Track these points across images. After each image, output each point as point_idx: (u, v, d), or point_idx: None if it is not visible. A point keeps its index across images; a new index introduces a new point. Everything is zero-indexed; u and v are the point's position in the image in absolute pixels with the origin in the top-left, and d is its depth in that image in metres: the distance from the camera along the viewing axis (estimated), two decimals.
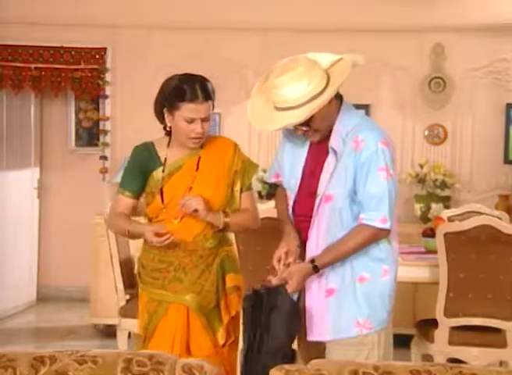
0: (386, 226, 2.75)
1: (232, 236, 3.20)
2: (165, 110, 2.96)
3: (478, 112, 6.86)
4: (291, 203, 2.93)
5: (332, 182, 2.79)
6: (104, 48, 6.98)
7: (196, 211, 2.88)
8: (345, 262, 2.79)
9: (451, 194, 6.72)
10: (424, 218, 6.55)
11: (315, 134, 2.82)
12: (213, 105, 2.99)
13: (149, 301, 3.01)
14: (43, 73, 6.88)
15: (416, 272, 4.44)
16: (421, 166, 6.76)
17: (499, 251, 4.07)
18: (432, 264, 4.34)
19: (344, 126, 2.80)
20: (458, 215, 5.15)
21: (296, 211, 2.92)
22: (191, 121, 2.90)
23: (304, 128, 2.78)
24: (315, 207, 2.82)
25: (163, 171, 2.97)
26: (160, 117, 3.02)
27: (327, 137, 2.83)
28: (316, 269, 2.77)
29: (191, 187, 2.95)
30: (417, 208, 6.66)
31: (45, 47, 6.88)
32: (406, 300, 5.54)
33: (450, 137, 6.92)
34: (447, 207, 6.41)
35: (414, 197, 6.73)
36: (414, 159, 6.90)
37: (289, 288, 2.74)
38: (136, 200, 3.03)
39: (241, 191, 3.04)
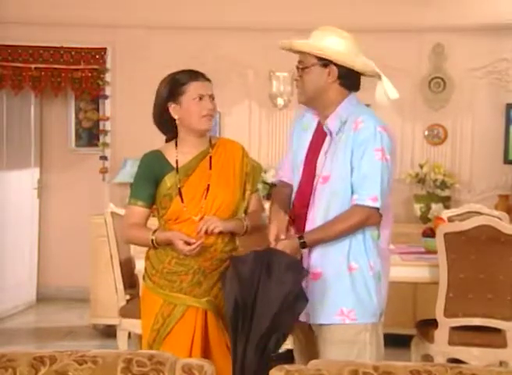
0: (377, 204, 2.74)
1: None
2: (169, 105, 2.97)
3: (478, 113, 6.86)
4: (295, 189, 2.95)
5: (328, 163, 2.82)
6: (104, 48, 6.98)
7: (219, 231, 2.92)
8: (337, 248, 2.78)
9: (451, 195, 6.72)
10: (424, 218, 6.55)
11: (300, 93, 2.90)
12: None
13: (164, 304, 2.96)
14: (43, 73, 6.88)
15: (416, 272, 4.44)
16: (421, 166, 6.76)
17: (499, 252, 4.06)
18: (431, 264, 4.34)
19: (345, 110, 2.83)
20: (458, 215, 5.15)
21: (297, 197, 2.93)
22: (201, 98, 2.94)
23: (298, 75, 2.87)
24: (313, 188, 2.84)
25: (177, 172, 2.96)
26: (162, 122, 3.02)
27: (326, 117, 2.87)
28: (304, 244, 2.77)
29: (209, 185, 2.96)
30: (417, 208, 6.66)
31: (45, 47, 6.88)
32: (406, 300, 5.55)
33: (450, 138, 6.92)
34: (447, 207, 6.41)
35: (414, 197, 6.73)
36: (414, 159, 6.90)
37: None
38: (149, 209, 3.00)
39: (250, 193, 3.08)
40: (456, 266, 4.11)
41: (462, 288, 4.11)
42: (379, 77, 2.88)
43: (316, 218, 2.82)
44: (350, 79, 2.84)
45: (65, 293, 7.09)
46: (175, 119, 2.99)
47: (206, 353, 2.93)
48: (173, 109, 2.97)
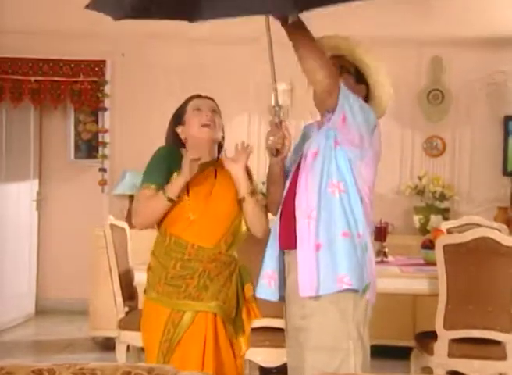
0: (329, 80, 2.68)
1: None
2: (178, 130, 3.07)
3: (477, 124, 6.89)
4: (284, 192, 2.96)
5: (314, 140, 2.87)
6: (104, 61, 7.01)
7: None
8: (330, 217, 2.78)
9: (450, 206, 6.73)
10: (424, 230, 6.56)
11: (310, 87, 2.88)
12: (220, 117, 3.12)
13: (173, 313, 2.95)
14: (42, 85, 6.90)
15: (415, 284, 4.44)
16: (420, 178, 6.77)
17: (498, 263, 4.06)
18: (431, 276, 4.34)
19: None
20: (457, 227, 5.16)
21: (286, 195, 2.93)
22: (199, 109, 3.04)
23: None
24: (301, 165, 2.87)
25: None
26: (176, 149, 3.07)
27: None
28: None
29: (211, 192, 3.00)
30: (417, 219, 6.67)
31: (45, 59, 6.91)
32: (405, 312, 5.54)
33: (449, 149, 6.94)
34: (446, 219, 6.42)
35: (413, 209, 6.74)
36: (413, 171, 6.92)
37: None
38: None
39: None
40: (455, 278, 4.11)
41: (461, 300, 4.11)
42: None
43: (307, 183, 2.83)
44: (366, 102, 2.89)
45: (64, 305, 7.08)
46: (182, 143, 3.07)
47: (217, 358, 2.94)
48: (181, 132, 3.07)
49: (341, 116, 2.71)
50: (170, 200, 2.90)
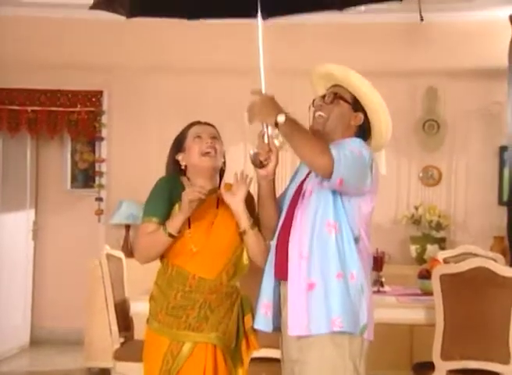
0: (333, 159, 2.64)
1: None
2: (178, 157, 3.05)
3: (472, 154, 6.91)
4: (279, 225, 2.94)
5: (312, 178, 2.84)
6: (101, 91, 7.04)
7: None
8: (324, 258, 2.75)
9: (446, 236, 6.73)
10: (420, 259, 6.55)
11: (320, 118, 2.87)
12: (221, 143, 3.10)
13: (172, 344, 2.93)
14: (39, 115, 6.92)
15: (412, 314, 4.42)
16: (416, 208, 6.78)
17: (494, 294, 4.06)
18: (428, 306, 4.33)
19: (346, 140, 2.84)
20: (453, 256, 5.16)
21: (281, 229, 2.92)
22: (199, 137, 3.02)
23: (328, 101, 2.87)
24: (298, 203, 2.85)
25: None
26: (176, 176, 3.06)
27: None
28: (286, 116, 2.70)
29: (213, 222, 2.98)
30: (413, 249, 6.66)
31: (42, 90, 6.93)
32: (402, 342, 5.51)
33: (445, 179, 6.95)
34: (443, 248, 6.42)
35: (410, 238, 6.73)
36: (410, 201, 6.93)
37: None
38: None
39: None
40: (452, 308, 4.10)
41: (459, 331, 4.10)
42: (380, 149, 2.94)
43: (302, 222, 2.81)
44: (363, 134, 2.89)
45: (59, 335, 7.03)
46: (183, 170, 3.05)
47: None
48: (181, 159, 3.05)
49: (337, 181, 2.68)
50: (171, 236, 2.87)
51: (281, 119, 2.70)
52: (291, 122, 2.72)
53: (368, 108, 2.88)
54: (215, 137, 3.05)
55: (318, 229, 2.77)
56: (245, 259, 3.04)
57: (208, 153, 3.00)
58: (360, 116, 2.88)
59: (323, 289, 2.73)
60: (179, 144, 3.06)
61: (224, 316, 2.97)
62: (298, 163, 3.09)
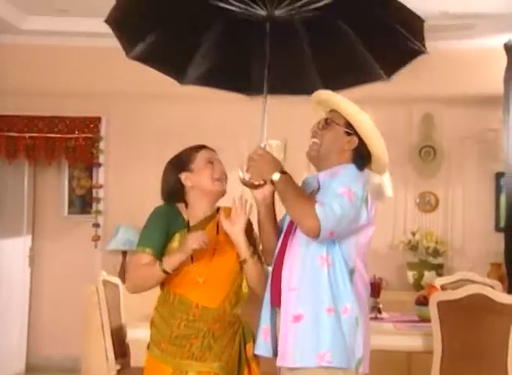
0: (321, 225, 2.62)
1: None
2: (181, 175, 3.01)
3: (469, 181, 6.94)
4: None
5: None
6: (99, 118, 7.07)
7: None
8: (314, 291, 2.73)
9: (443, 262, 6.73)
10: (417, 285, 6.54)
11: (314, 146, 2.88)
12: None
13: (175, 373, 2.90)
14: (37, 142, 6.94)
15: (410, 341, 4.40)
16: (413, 234, 6.78)
17: (492, 321, 4.05)
18: (425, 333, 4.31)
19: (340, 169, 2.83)
20: (451, 283, 5.15)
21: (279, 252, 2.90)
22: (211, 162, 3.03)
23: (320, 127, 2.88)
24: (292, 230, 2.83)
25: (188, 230, 2.94)
26: (173, 194, 3.03)
27: None
28: (281, 175, 2.74)
29: (215, 251, 2.95)
30: (410, 275, 6.65)
31: (40, 117, 6.96)
32: (400, 369, 5.48)
33: (442, 205, 6.97)
34: (440, 274, 6.42)
35: (407, 264, 6.73)
36: (406, 226, 6.93)
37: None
38: (157, 259, 2.89)
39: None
40: (450, 335, 4.08)
41: (456, 358, 4.08)
42: (383, 172, 2.93)
43: (293, 259, 2.79)
44: (361, 158, 2.88)
45: (55, 362, 6.98)
46: (183, 190, 3.02)
47: None
48: (185, 178, 3.01)
49: (327, 236, 2.66)
50: (166, 272, 2.85)
51: (276, 177, 2.75)
52: (285, 182, 2.75)
53: (360, 132, 2.87)
54: (222, 164, 3.09)
55: (309, 261, 2.74)
56: (244, 287, 3.03)
57: (219, 179, 3.02)
58: (355, 139, 2.86)
59: (311, 322, 2.71)
60: (183, 164, 3.03)
61: (227, 345, 2.95)
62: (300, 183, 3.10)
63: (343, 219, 2.65)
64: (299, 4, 3.02)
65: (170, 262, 2.84)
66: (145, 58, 3.38)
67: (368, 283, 2.90)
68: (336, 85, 3.12)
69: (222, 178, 3.04)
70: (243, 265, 2.96)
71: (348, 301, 2.73)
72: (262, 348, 2.90)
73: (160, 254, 2.91)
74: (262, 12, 3.06)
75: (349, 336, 2.71)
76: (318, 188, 2.85)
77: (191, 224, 2.98)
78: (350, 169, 2.83)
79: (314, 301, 2.72)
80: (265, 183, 2.85)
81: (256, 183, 2.86)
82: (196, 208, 3.02)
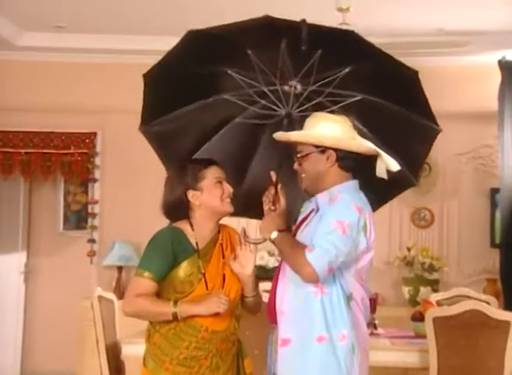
0: (316, 270, 2.66)
1: None
2: (188, 193, 2.94)
3: (464, 197, 6.95)
4: None
5: (305, 231, 2.85)
6: (95, 133, 7.07)
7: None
8: (304, 318, 2.74)
9: (439, 277, 6.72)
10: (413, 301, 6.53)
11: (302, 179, 2.91)
12: None
13: None
14: (33, 157, 6.94)
15: (406, 357, 4.40)
16: (409, 249, 6.78)
17: (488, 337, 4.05)
18: (421, 349, 4.31)
19: (338, 190, 2.84)
20: (447, 299, 5.15)
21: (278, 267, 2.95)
22: (220, 182, 2.96)
23: (297, 164, 2.90)
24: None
25: (199, 257, 2.90)
26: (176, 211, 2.98)
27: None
28: (278, 234, 2.82)
29: (225, 275, 2.94)
30: (406, 291, 6.64)
31: (35, 132, 6.96)
32: None
33: (437, 221, 6.97)
34: (435, 290, 6.41)
35: (403, 280, 6.72)
36: (402, 242, 6.93)
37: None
38: (156, 284, 2.84)
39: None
40: (445, 352, 4.08)
41: (452, 374, 4.07)
42: (378, 154, 2.91)
43: (285, 280, 2.83)
44: (348, 160, 2.87)
45: None
46: (187, 206, 2.96)
47: None
48: (193, 196, 2.93)
49: (326, 273, 2.69)
50: (175, 317, 2.82)
51: (273, 235, 2.83)
52: (281, 238, 2.82)
53: (330, 146, 2.85)
54: (229, 184, 3.01)
55: (302, 288, 2.75)
56: (239, 307, 3.03)
57: (227, 199, 2.96)
58: (331, 152, 2.84)
59: (298, 348, 2.73)
60: (191, 181, 2.94)
61: (231, 363, 2.94)
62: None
63: (338, 255, 2.68)
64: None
65: (187, 312, 2.81)
66: (154, 140, 3.35)
67: (369, 307, 2.90)
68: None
69: (231, 197, 2.98)
70: (244, 299, 2.99)
71: (345, 327, 2.73)
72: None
73: (160, 278, 2.85)
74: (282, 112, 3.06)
75: (345, 364, 2.72)
76: (318, 210, 2.86)
77: (200, 248, 2.92)
78: (347, 192, 2.82)
79: (302, 327, 2.74)
80: (265, 240, 2.91)
81: (257, 242, 2.95)
82: (203, 229, 2.96)
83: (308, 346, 2.71)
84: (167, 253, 2.87)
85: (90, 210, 7.10)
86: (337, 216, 2.72)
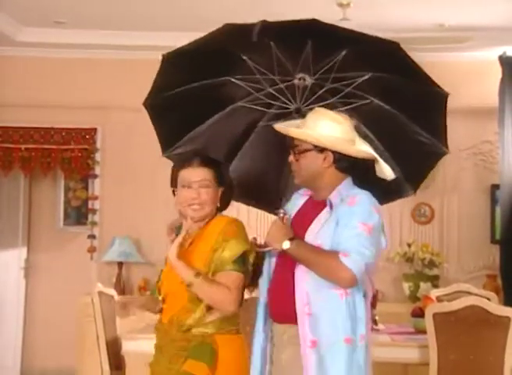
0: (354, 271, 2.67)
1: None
2: (173, 190, 2.93)
3: (464, 193, 6.95)
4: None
5: (321, 232, 2.79)
6: (95, 129, 7.07)
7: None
8: (333, 319, 2.73)
9: (439, 273, 6.72)
10: (413, 297, 6.53)
11: (295, 173, 2.91)
12: (222, 191, 2.92)
13: None
14: (33, 153, 6.94)
15: (406, 353, 4.40)
16: (409, 245, 6.78)
17: (488, 332, 4.05)
18: (421, 345, 4.31)
19: (347, 190, 2.84)
20: (447, 294, 5.15)
21: (278, 262, 2.90)
22: (188, 186, 2.83)
23: (292, 157, 2.88)
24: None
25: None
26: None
27: (322, 197, 2.86)
28: (290, 242, 2.75)
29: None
30: (406, 287, 6.65)
31: (36, 128, 6.96)
32: None
33: (437, 217, 6.97)
34: (435, 286, 6.41)
35: (403, 276, 6.72)
36: (402, 238, 6.93)
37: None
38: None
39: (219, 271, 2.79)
40: (446, 347, 4.08)
41: (452, 370, 4.08)
42: (375, 160, 2.91)
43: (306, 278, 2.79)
44: (345, 162, 2.86)
45: None
46: None
47: None
48: (175, 194, 2.91)
49: (362, 274, 2.71)
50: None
51: (285, 246, 2.76)
52: (299, 248, 2.75)
53: (329, 148, 2.84)
54: (207, 185, 2.85)
55: (326, 291, 2.74)
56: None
57: (191, 205, 2.83)
58: (329, 154, 2.83)
59: (328, 352, 2.72)
60: (172, 179, 2.92)
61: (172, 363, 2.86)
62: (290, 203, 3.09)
63: (371, 257, 2.72)
64: None
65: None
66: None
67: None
68: None
69: (194, 206, 2.83)
70: (190, 288, 2.75)
71: (363, 328, 2.76)
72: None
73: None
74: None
75: (364, 363, 2.76)
76: (331, 208, 2.82)
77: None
78: (361, 193, 2.82)
79: (332, 329, 2.73)
80: (275, 248, 2.86)
81: (266, 250, 2.87)
82: (186, 225, 2.87)
83: (338, 348, 2.72)
84: None
85: (90, 206, 7.10)
86: (361, 219, 2.73)
